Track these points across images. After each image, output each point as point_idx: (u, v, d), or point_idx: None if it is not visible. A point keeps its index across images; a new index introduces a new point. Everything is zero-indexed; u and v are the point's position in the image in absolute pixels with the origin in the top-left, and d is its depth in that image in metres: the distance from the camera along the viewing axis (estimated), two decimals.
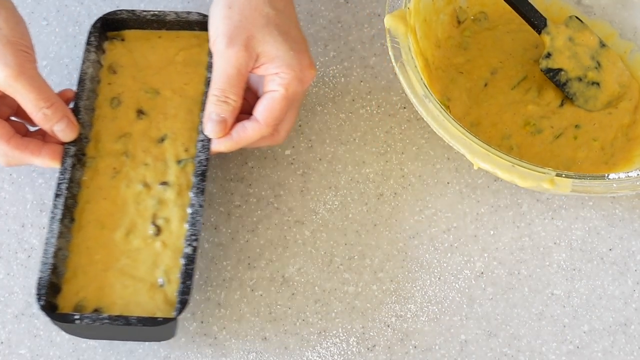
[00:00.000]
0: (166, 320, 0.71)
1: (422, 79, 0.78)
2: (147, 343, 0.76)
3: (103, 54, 0.83)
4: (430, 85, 0.81)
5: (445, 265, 0.80)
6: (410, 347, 0.76)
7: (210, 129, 0.77)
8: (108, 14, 0.83)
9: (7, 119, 0.77)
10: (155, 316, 0.71)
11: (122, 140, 0.79)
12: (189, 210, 0.75)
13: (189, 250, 0.73)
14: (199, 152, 0.77)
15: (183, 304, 0.71)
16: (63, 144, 0.77)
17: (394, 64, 0.79)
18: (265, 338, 0.76)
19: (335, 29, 0.91)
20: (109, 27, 0.84)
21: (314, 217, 0.82)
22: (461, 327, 0.77)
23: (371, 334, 0.77)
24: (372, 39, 0.91)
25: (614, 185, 0.74)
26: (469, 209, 0.83)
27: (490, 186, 0.84)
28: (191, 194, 0.76)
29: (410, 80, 0.78)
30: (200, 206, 0.75)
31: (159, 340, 0.74)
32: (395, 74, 0.81)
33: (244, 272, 0.79)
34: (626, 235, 0.82)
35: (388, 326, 0.77)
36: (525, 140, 0.83)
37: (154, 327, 0.71)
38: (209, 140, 0.77)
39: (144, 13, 0.84)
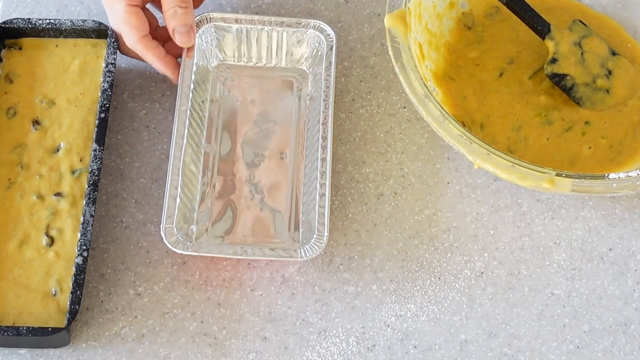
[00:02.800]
0: (55, 330, 0.72)
1: (422, 78, 0.78)
2: (146, 343, 0.76)
3: (0, 62, 0.84)
4: (442, 86, 0.81)
5: (445, 265, 0.80)
6: (410, 347, 0.76)
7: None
8: (4, 22, 0.84)
9: (144, 7, 0.82)
10: (47, 326, 0.73)
11: (17, 151, 0.81)
12: (81, 220, 0.76)
13: (79, 260, 0.74)
14: (92, 161, 0.78)
15: (73, 313, 0.73)
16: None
17: (394, 63, 0.79)
18: (265, 338, 0.76)
19: (335, 29, 0.91)
20: (6, 35, 0.85)
21: None
22: (461, 327, 0.77)
23: (371, 333, 0.77)
24: (372, 39, 0.91)
25: (614, 185, 0.74)
26: (469, 209, 0.82)
27: (490, 186, 0.84)
28: (83, 204, 0.77)
29: (410, 80, 0.78)
30: (92, 216, 0.76)
31: (55, 347, 0.75)
32: (396, 73, 0.81)
33: (243, 272, 0.79)
34: (626, 235, 0.82)
35: (388, 326, 0.77)
36: (534, 131, 0.83)
37: (45, 337, 0.72)
38: (102, 149, 0.78)
39: (40, 21, 0.84)
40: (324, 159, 0.79)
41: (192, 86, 0.82)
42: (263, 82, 0.87)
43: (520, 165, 0.74)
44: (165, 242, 0.75)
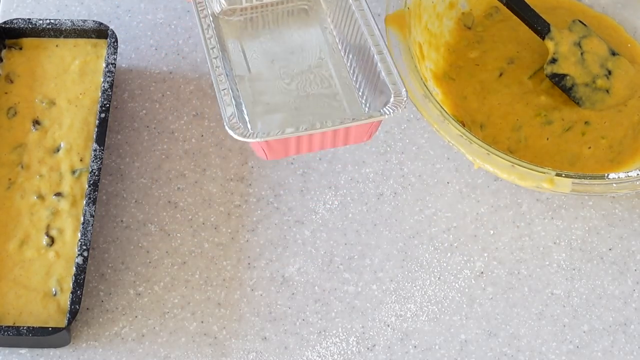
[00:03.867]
0: (56, 330, 0.72)
1: (422, 78, 0.78)
2: (147, 343, 0.76)
3: (0, 62, 0.84)
4: (442, 86, 0.81)
5: (445, 265, 0.80)
6: (410, 346, 0.76)
7: None
8: (4, 22, 0.84)
9: None
10: (47, 326, 0.73)
11: (17, 151, 0.81)
12: (81, 220, 0.76)
13: (79, 260, 0.74)
14: (92, 161, 0.78)
15: (73, 313, 0.72)
16: None
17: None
18: (265, 338, 0.76)
19: None
20: (6, 35, 0.85)
21: (314, 216, 0.82)
22: (461, 327, 0.77)
23: (371, 333, 0.77)
24: None
25: (614, 185, 0.74)
26: (469, 209, 0.83)
27: (490, 186, 0.84)
28: (83, 204, 0.77)
29: (410, 80, 0.78)
30: (92, 216, 0.76)
31: (56, 347, 0.75)
32: None
33: (244, 272, 0.79)
34: (626, 235, 0.82)
35: (388, 326, 0.77)
36: (534, 131, 0.83)
37: (45, 337, 0.72)
38: (102, 149, 0.78)
39: (40, 21, 0.85)
40: (372, 33, 0.75)
41: (212, 25, 0.78)
42: (276, 16, 0.83)
43: (520, 165, 0.74)
44: (234, 135, 0.69)
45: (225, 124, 0.70)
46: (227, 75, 0.75)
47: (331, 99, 0.78)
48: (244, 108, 0.77)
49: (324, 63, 0.80)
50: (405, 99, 0.72)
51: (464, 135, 0.75)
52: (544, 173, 0.74)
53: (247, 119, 0.76)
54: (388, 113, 0.71)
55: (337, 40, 0.81)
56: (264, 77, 0.80)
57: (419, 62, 0.81)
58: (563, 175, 0.74)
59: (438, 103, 0.77)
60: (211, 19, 0.78)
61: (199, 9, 0.79)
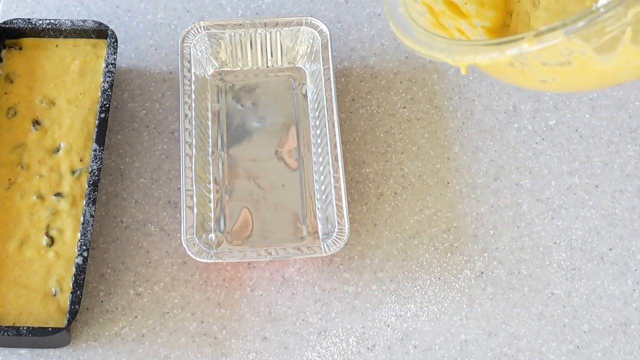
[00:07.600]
0: (55, 330, 0.72)
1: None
2: (147, 343, 0.76)
3: (0, 62, 0.84)
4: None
5: (445, 265, 0.80)
6: (410, 347, 0.76)
7: None
8: (4, 22, 0.84)
9: None
10: (47, 326, 0.73)
11: (17, 151, 0.81)
12: (81, 220, 0.77)
13: (79, 260, 0.74)
14: (92, 161, 0.78)
15: (73, 313, 0.73)
16: None
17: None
18: (265, 338, 0.76)
19: (335, 29, 0.91)
20: (6, 35, 0.85)
21: None
22: (461, 327, 0.77)
23: (371, 333, 0.77)
24: (372, 39, 0.91)
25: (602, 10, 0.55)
26: (469, 209, 0.83)
27: (490, 186, 0.84)
28: (83, 204, 0.77)
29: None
30: (92, 216, 0.76)
31: (55, 347, 0.75)
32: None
33: (243, 272, 0.79)
34: (626, 235, 0.82)
35: (388, 326, 0.77)
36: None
37: (45, 337, 0.72)
38: (102, 149, 0.79)
39: (40, 21, 0.85)
40: (335, 155, 0.79)
41: (193, 96, 0.82)
42: (262, 84, 0.87)
43: (498, 44, 0.58)
44: (189, 252, 0.75)
45: (183, 239, 0.76)
46: (202, 157, 0.81)
47: (288, 211, 0.80)
48: (211, 201, 0.80)
49: (293, 158, 0.83)
50: (346, 237, 0.76)
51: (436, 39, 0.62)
52: (521, 38, 0.57)
53: (211, 216, 0.80)
54: (327, 252, 0.76)
55: (311, 134, 0.84)
56: (239, 158, 0.83)
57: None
58: (545, 30, 0.56)
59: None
60: (193, 87, 0.83)
61: (184, 87, 0.83)
